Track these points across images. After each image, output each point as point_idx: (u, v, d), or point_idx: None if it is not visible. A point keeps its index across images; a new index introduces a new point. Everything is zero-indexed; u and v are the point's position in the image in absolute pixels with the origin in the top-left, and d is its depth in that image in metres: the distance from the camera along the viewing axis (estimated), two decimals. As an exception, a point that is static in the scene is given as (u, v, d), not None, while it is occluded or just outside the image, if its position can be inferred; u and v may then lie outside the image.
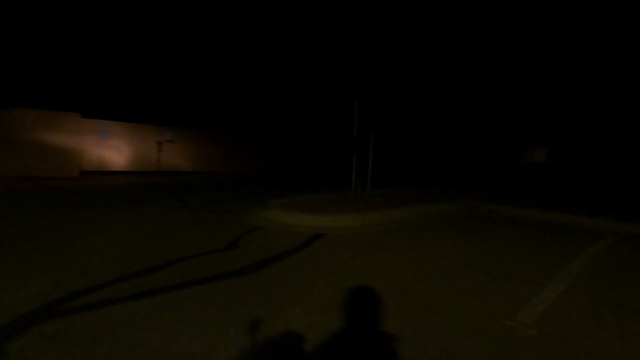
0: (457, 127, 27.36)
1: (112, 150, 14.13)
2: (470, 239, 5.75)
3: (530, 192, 11.95)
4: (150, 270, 3.70)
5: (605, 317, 3.05)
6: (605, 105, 21.76)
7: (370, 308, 3.12)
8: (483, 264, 4.37)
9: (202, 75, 18.86)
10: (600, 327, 2.86)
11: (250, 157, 19.02)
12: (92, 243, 4.62)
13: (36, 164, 11.78)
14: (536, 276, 4.00)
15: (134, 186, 10.97)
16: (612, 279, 4.07)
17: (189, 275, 3.60)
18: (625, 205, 9.51)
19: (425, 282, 3.71)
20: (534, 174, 22.78)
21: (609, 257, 4.97)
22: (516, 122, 27.96)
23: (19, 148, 11.45)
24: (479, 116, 25.42)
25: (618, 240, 6.07)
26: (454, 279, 3.81)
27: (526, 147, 37.48)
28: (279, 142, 20.54)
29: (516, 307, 3.16)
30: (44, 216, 6.10)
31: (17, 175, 11.34)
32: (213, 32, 18.45)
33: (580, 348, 2.55)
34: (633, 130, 24.16)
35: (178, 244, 4.74)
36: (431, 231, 6.21)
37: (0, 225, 5.34)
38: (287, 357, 2.41)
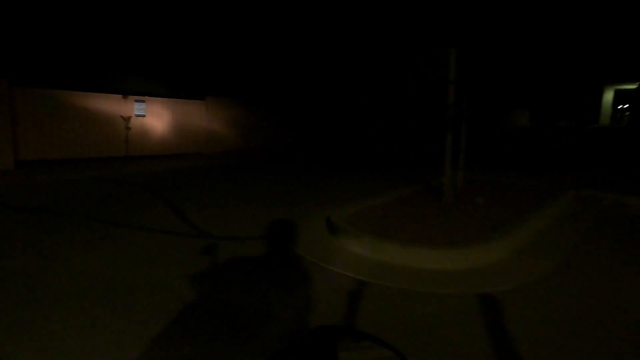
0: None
1: (62, 131, 10.48)
2: None
3: (586, 166, 10.02)
4: None
5: None
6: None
7: None
8: None
9: (185, 17, 14.33)
10: None
11: (247, 132, 15.58)
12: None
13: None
14: None
15: (99, 185, 7.76)
16: None
17: None
18: None
19: None
20: (542, 139, 20.95)
21: None
22: (501, 84, 25.87)
23: None
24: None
25: None
26: None
27: (512, 111, 35.99)
28: (282, 111, 16.90)
29: None
30: None
31: None
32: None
33: None
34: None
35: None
36: (621, 259, 3.75)
37: None
38: None
